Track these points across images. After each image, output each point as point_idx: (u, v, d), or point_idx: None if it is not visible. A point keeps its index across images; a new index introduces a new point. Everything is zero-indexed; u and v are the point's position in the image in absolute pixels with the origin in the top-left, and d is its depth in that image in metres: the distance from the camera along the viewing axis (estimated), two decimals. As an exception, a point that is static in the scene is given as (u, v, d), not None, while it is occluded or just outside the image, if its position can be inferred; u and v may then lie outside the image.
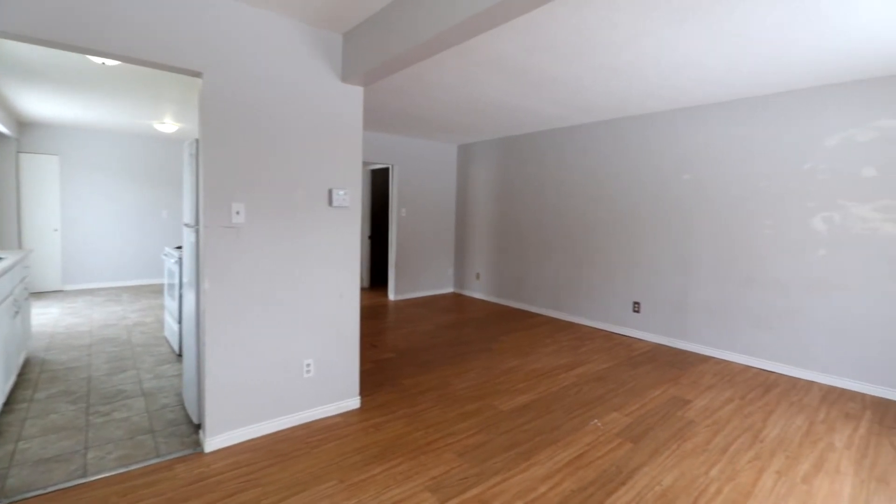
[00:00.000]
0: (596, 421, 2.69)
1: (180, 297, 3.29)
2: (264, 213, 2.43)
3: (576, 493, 2.02)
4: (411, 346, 4.08)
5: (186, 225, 2.66)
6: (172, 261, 3.64)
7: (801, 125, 3.43)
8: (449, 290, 6.81)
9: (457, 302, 6.10)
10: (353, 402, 2.83)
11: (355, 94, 2.74)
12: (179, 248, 3.66)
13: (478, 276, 6.39)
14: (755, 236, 3.68)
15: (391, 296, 6.21)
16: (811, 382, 3.36)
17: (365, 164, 6.75)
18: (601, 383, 3.28)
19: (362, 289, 6.92)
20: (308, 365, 2.63)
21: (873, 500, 2.00)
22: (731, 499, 1.99)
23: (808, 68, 3.00)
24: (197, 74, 2.25)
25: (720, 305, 3.89)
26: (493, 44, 2.72)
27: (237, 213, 2.33)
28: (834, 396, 3.11)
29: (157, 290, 6.41)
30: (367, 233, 7.05)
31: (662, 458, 2.31)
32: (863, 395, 3.14)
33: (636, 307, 4.47)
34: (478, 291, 6.41)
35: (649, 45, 2.70)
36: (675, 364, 3.71)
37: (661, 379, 3.38)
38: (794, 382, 3.36)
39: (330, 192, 2.65)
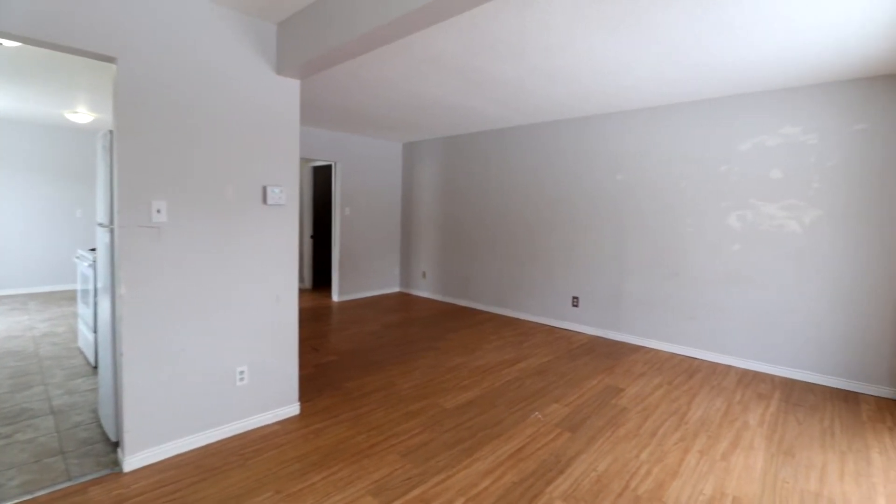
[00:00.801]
0: (537, 413, 2.77)
1: (95, 303, 3.00)
2: (190, 211, 2.27)
3: (517, 484, 2.06)
4: (355, 348, 3.99)
5: (101, 224, 2.43)
6: (86, 264, 3.32)
7: (719, 131, 3.72)
8: (395, 289, 6.75)
9: (403, 301, 6.05)
10: (293, 409, 2.71)
11: (291, 87, 2.62)
12: (94, 250, 3.34)
13: (424, 275, 6.38)
14: (679, 233, 3.95)
15: (335, 297, 6.05)
16: (729, 367, 3.66)
17: (306, 160, 6.53)
18: (542, 376, 3.38)
19: (304, 290, 6.69)
20: (241, 372, 2.49)
21: (781, 472, 2.21)
22: (659, 479, 2.12)
23: (724, 77, 3.25)
24: (110, 60, 2.06)
25: (650, 298, 4.14)
26: (436, 41, 2.71)
27: (158, 211, 2.15)
28: (748, 379, 3.41)
29: (70, 297, 5.82)
30: (310, 232, 6.82)
31: (598, 445, 2.41)
32: (772, 377, 3.46)
33: (575, 302, 4.65)
34: (424, 290, 6.40)
35: (582, 50, 2.80)
36: (611, 355, 3.91)
37: (597, 369, 3.54)
38: (714, 367, 3.64)
39: (264, 189, 2.52)
